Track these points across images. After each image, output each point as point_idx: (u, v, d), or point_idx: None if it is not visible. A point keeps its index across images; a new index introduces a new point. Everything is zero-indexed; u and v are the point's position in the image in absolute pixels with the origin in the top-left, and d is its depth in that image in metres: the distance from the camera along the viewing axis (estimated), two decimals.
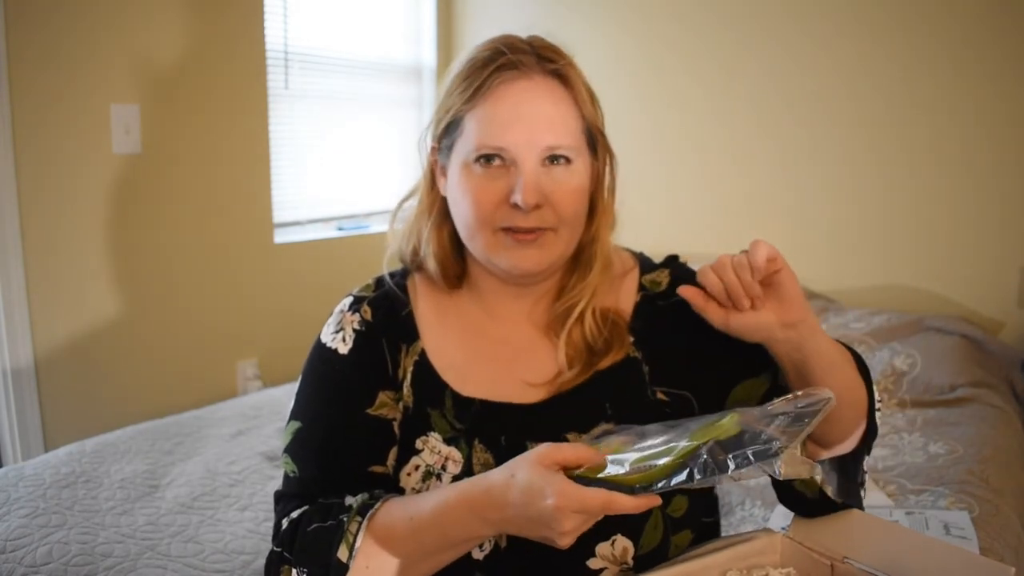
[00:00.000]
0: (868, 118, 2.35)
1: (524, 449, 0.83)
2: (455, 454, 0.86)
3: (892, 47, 2.29)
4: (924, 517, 1.36)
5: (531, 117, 0.82)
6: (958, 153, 2.23)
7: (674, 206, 2.69)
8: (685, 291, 0.80)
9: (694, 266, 0.98)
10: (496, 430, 0.86)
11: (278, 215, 2.61)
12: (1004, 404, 1.92)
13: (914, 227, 2.31)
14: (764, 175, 2.55)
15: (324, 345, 0.92)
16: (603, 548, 0.81)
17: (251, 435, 1.79)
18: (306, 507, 0.83)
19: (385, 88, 2.96)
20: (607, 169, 0.90)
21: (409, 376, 0.90)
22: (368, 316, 0.92)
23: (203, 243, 2.38)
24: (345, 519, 0.78)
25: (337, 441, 0.87)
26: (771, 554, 0.79)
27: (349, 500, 0.82)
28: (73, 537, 1.28)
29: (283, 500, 0.87)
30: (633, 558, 0.81)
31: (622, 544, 0.81)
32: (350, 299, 0.95)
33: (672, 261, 0.97)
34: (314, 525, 0.80)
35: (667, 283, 0.93)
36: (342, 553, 0.77)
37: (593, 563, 0.81)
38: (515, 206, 0.81)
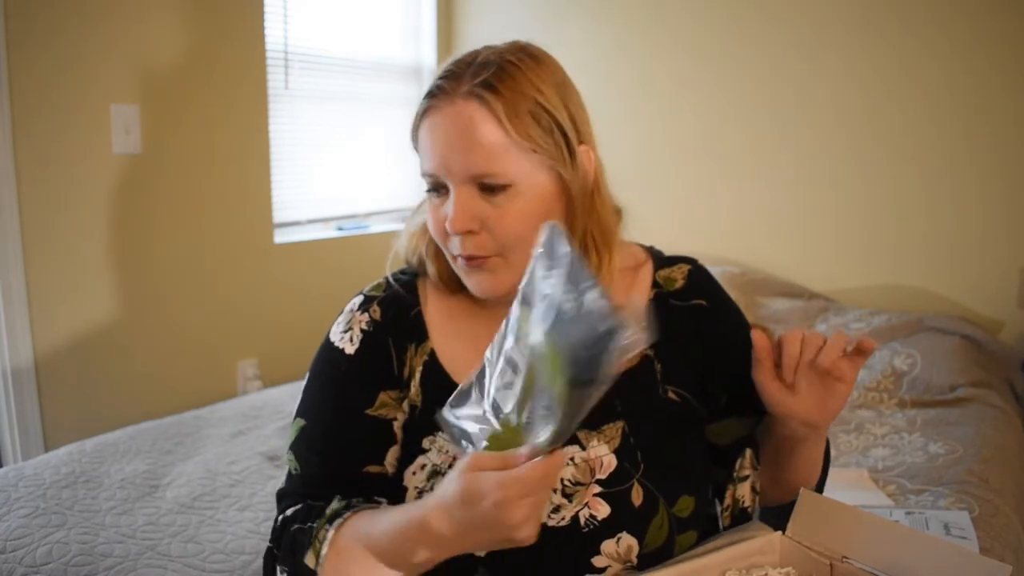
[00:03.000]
0: (868, 118, 2.35)
1: None
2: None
3: (892, 48, 2.29)
4: (924, 517, 1.36)
5: (448, 144, 0.80)
6: (958, 153, 2.23)
7: (674, 206, 2.69)
8: (758, 339, 0.79)
9: (710, 268, 0.99)
10: None
11: (278, 215, 2.61)
12: (1004, 404, 1.93)
13: (914, 227, 2.31)
14: (764, 176, 2.55)
15: (332, 344, 0.92)
16: (608, 546, 0.81)
17: (251, 435, 1.79)
18: (299, 506, 0.85)
19: (385, 88, 2.96)
20: (590, 168, 0.86)
21: (418, 376, 0.90)
22: (377, 316, 0.92)
23: (203, 243, 2.38)
24: (315, 526, 0.80)
25: (336, 441, 0.88)
26: (770, 553, 0.79)
27: (332, 505, 0.82)
28: (73, 537, 1.28)
29: (284, 498, 0.89)
30: (637, 556, 0.81)
31: (627, 542, 0.81)
32: (360, 298, 0.95)
33: (691, 259, 0.96)
34: (296, 526, 0.82)
35: (683, 282, 0.93)
36: (310, 559, 0.78)
37: (598, 561, 0.81)
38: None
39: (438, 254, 0.91)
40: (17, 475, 1.47)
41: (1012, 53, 2.12)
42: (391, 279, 0.96)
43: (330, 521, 0.80)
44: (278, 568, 0.82)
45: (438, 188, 0.83)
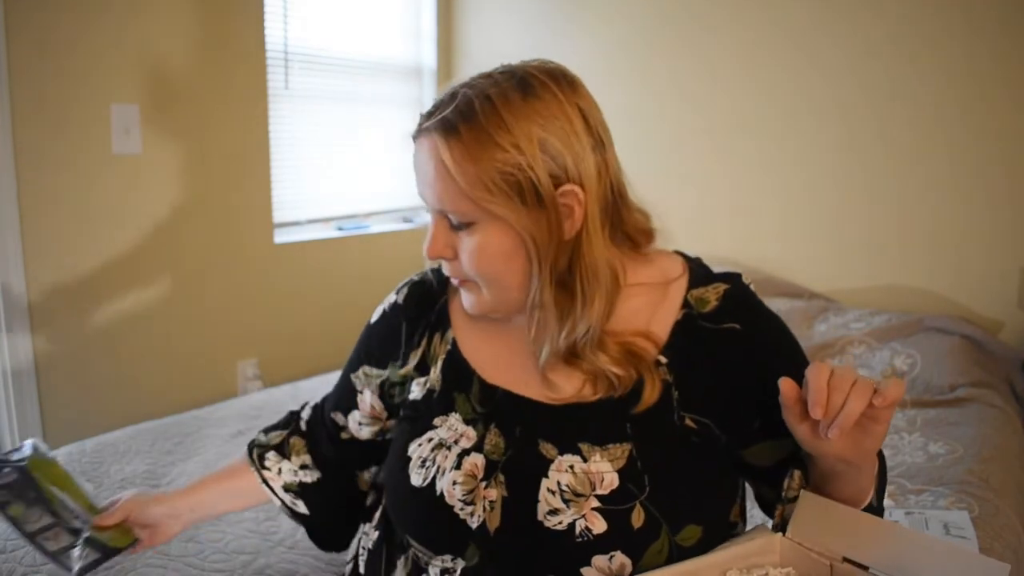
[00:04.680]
0: (868, 118, 2.35)
1: (535, 444, 0.84)
2: (470, 432, 0.88)
3: (893, 48, 2.29)
4: (924, 517, 1.36)
5: (418, 176, 0.84)
6: (958, 153, 2.23)
7: (674, 206, 2.68)
8: (785, 386, 0.73)
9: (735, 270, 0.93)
10: (513, 419, 0.87)
11: (278, 215, 2.61)
12: (1004, 404, 1.92)
13: (914, 227, 2.31)
14: (764, 176, 2.55)
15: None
16: (599, 560, 0.79)
17: (251, 435, 1.78)
18: (305, 409, 1.13)
19: (385, 88, 2.96)
20: (578, 210, 0.80)
21: (440, 363, 0.94)
22: (400, 300, 1.01)
23: (203, 243, 2.38)
24: (268, 437, 1.11)
25: (338, 383, 1.07)
26: (770, 554, 0.79)
27: (279, 435, 1.11)
28: None
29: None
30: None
31: (620, 560, 0.79)
32: (406, 279, 1.04)
33: (732, 277, 0.89)
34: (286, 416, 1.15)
35: (716, 303, 0.86)
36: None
37: (587, 572, 0.79)
38: None
39: None
40: None
41: (1012, 53, 2.12)
42: (431, 270, 1.02)
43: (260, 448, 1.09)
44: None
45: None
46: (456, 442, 0.88)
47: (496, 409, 0.88)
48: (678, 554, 0.80)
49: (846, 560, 0.73)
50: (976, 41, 2.16)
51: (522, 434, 0.86)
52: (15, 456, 0.96)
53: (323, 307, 2.75)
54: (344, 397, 1.05)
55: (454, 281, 0.90)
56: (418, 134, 0.83)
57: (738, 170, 2.60)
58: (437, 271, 1.00)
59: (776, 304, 2.37)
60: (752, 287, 0.90)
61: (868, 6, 2.31)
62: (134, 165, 2.18)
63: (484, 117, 0.77)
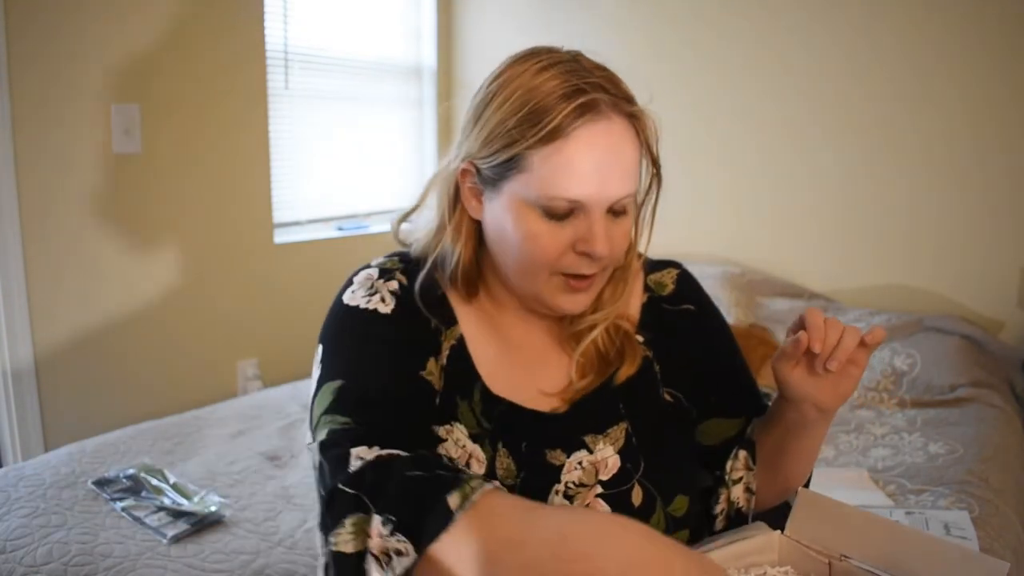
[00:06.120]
0: (869, 119, 2.35)
1: (542, 457, 0.84)
2: (479, 453, 0.83)
3: (896, 49, 2.29)
4: (924, 517, 1.36)
5: (610, 167, 0.75)
6: (959, 153, 2.23)
7: (674, 206, 2.68)
8: (804, 339, 0.76)
9: (710, 268, 0.99)
10: (518, 436, 0.85)
11: (278, 215, 2.61)
12: (1004, 404, 1.92)
13: (914, 227, 2.31)
14: (764, 175, 2.55)
15: (357, 308, 0.84)
16: None
17: (251, 435, 1.79)
18: (392, 452, 0.70)
19: (385, 88, 2.96)
20: (650, 195, 0.86)
21: (444, 359, 0.86)
22: (405, 282, 0.86)
23: (203, 243, 2.38)
24: (464, 476, 0.64)
25: (393, 396, 0.78)
26: (769, 552, 0.79)
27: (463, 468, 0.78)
28: (73, 537, 1.28)
29: (340, 444, 0.71)
30: None
31: None
32: (375, 270, 0.88)
33: (676, 263, 0.98)
34: (416, 473, 0.65)
35: (673, 287, 0.94)
36: (453, 500, 0.60)
37: None
38: (583, 254, 0.78)
39: (467, 268, 0.86)
40: (17, 475, 1.47)
41: (1014, 54, 2.12)
42: (403, 256, 0.91)
43: (483, 479, 0.64)
44: (376, 517, 0.63)
45: (562, 213, 0.77)
46: (468, 465, 0.83)
47: (500, 425, 0.85)
48: (672, 526, 0.83)
49: (844, 558, 0.73)
50: (979, 45, 2.16)
51: (528, 449, 0.84)
52: (130, 470, 1.50)
53: (323, 307, 2.73)
54: (426, 403, 0.82)
55: (560, 284, 0.81)
56: (597, 119, 0.74)
57: (737, 169, 2.60)
58: (417, 262, 0.89)
59: (776, 304, 2.37)
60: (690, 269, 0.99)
61: (876, 8, 2.31)
62: (134, 165, 2.18)
63: (628, 91, 0.81)
